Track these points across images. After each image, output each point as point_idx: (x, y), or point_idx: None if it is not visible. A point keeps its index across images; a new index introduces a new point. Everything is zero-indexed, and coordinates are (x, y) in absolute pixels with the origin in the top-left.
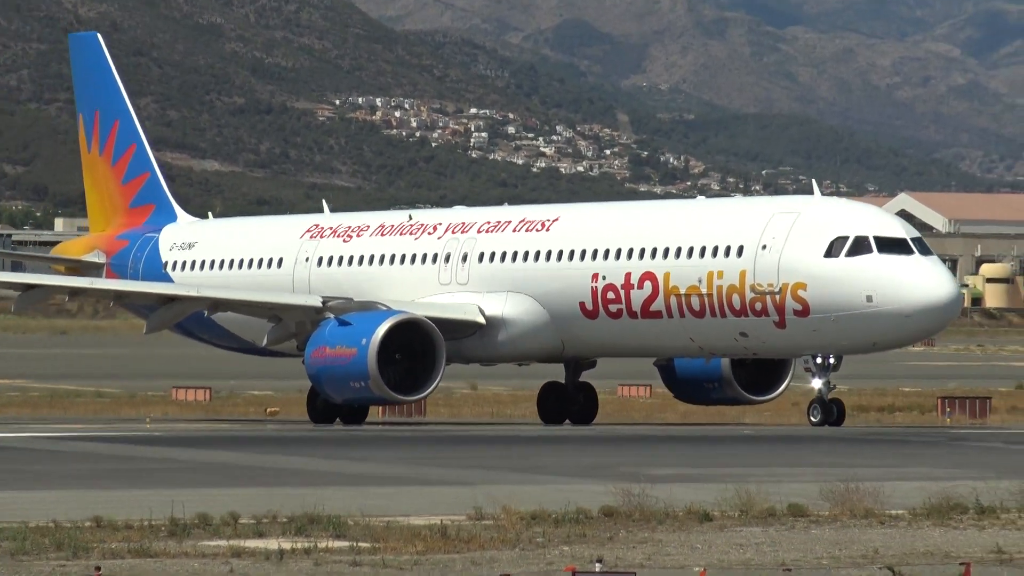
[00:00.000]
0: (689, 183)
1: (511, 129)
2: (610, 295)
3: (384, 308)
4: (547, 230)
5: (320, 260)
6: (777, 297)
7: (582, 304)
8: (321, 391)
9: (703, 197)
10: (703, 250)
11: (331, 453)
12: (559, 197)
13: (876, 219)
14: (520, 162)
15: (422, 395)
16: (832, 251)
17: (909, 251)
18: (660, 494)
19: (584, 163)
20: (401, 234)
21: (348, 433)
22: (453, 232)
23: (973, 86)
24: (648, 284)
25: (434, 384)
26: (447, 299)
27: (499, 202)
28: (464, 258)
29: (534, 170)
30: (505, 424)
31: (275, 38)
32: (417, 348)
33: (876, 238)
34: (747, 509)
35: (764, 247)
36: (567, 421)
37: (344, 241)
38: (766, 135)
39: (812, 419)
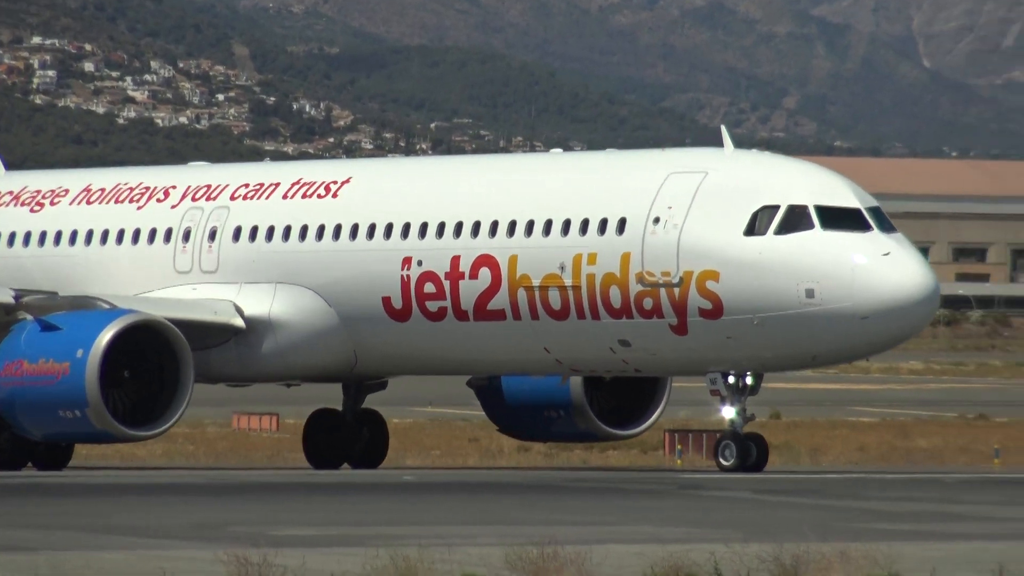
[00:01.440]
0: (332, 139)
1: (88, 66)
2: (429, 288)
3: (106, 306)
4: (334, 196)
5: None
6: (676, 291)
7: (387, 300)
8: (12, 422)
9: (560, 150)
10: (567, 225)
11: None
12: (154, 158)
13: (818, 181)
14: (101, 111)
15: (161, 429)
16: (756, 227)
17: (865, 226)
18: (289, 562)
19: (188, 112)
20: (117, 201)
21: (33, 481)
22: (195, 199)
23: (716, 9)
24: (486, 272)
25: (178, 414)
26: (187, 293)
27: (70, 165)
28: (212, 235)
29: (120, 121)
30: (238, 469)
31: None
32: (151, 364)
33: (819, 208)
34: None
35: (657, 221)
36: (345, 464)
37: (32, 211)
38: (436, 76)
39: (723, 461)
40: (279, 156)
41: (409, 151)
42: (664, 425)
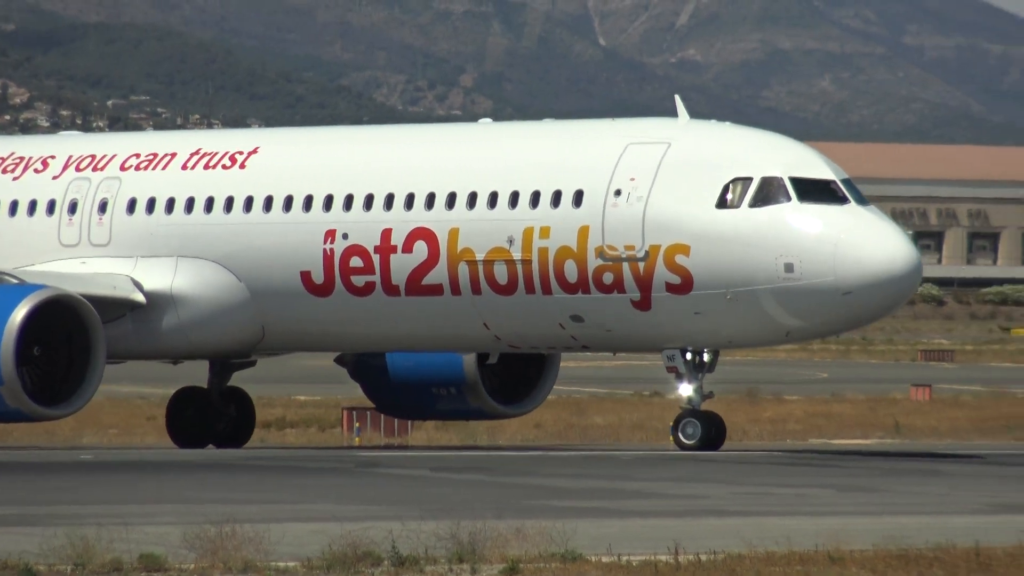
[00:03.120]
0: (8, 117)
1: None
2: (356, 262)
3: (13, 280)
4: (241, 167)
5: None
6: (641, 266)
7: (306, 275)
8: None
9: (491, 120)
10: (515, 197)
11: None
12: None
13: (790, 152)
14: None
15: (75, 408)
16: (728, 199)
17: (841, 199)
18: None
19: None
20: None
21: None
22: (79, 169)
23: None
24: (421, 247)
25: (91, 392)
26: (77, 268)
27: None
28: (102, 207)
29: None
30: (95, 449)
31: None
32: (59, 340)
33: (794, 180)
34: (84, 562)
35: (618, 193)
36: (210, 444)
37: None
38: (113, 53)
39: (685, 440)
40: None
41: (86, 129)
42: (344, 403)
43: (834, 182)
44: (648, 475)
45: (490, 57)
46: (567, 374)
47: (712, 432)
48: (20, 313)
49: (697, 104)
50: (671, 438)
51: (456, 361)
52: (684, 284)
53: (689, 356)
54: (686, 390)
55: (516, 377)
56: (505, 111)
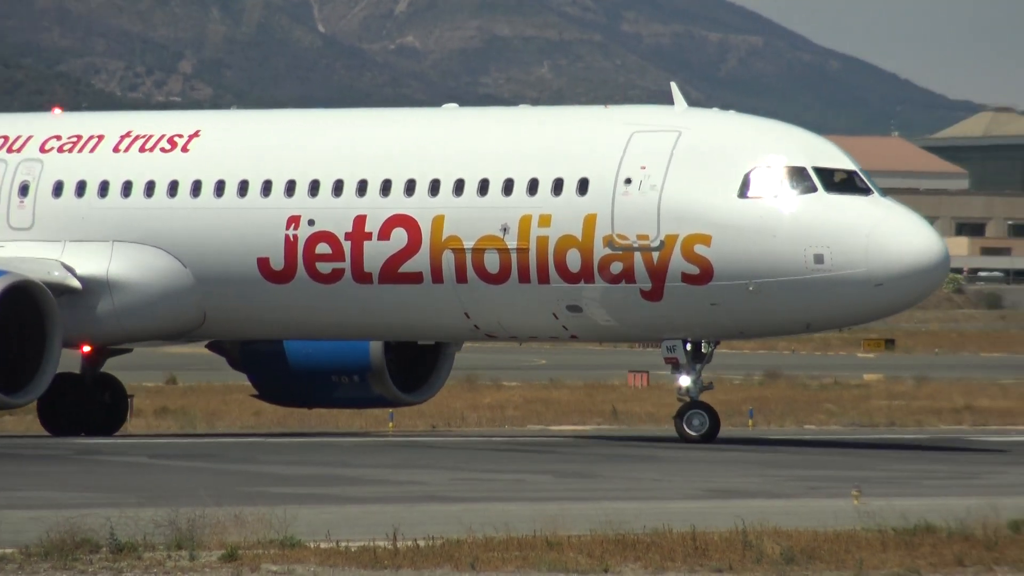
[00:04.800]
0: None
1: None
2: (323, 249)
3: None
4: (184, 150)
5: None
6: (655, 255)
7: (263, 262)
8: None
9: (456, 105)
10: (508, 185)
11: None
12: None
13: (809, 141)
14: None
15: (34, 396)
16: (749, 188)
17: (864, 190)
18: None
19: None
20: None
21: None
22: (11, 150)
23: None
24: (400, 234)
25: (50, 378)
26: None
27: None
28: (23, 190)
29: None
30: None
31: None
32: (10, 330)
33: (817, 170)
34: None
35: (628, 181)
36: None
37: None
38: None
39: (691, 432)
40: None
41: None
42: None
43: (856, 173)
44: (367, 462)
45: (209, 43)
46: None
47: (713, 422)
48: None
49: (416, 91)
50: (679, 429)
51: (362, 348)
52: (703, 274)
53: (689, 347)
54: (685, 380)
55: (412, 364)
56: (225, 98)
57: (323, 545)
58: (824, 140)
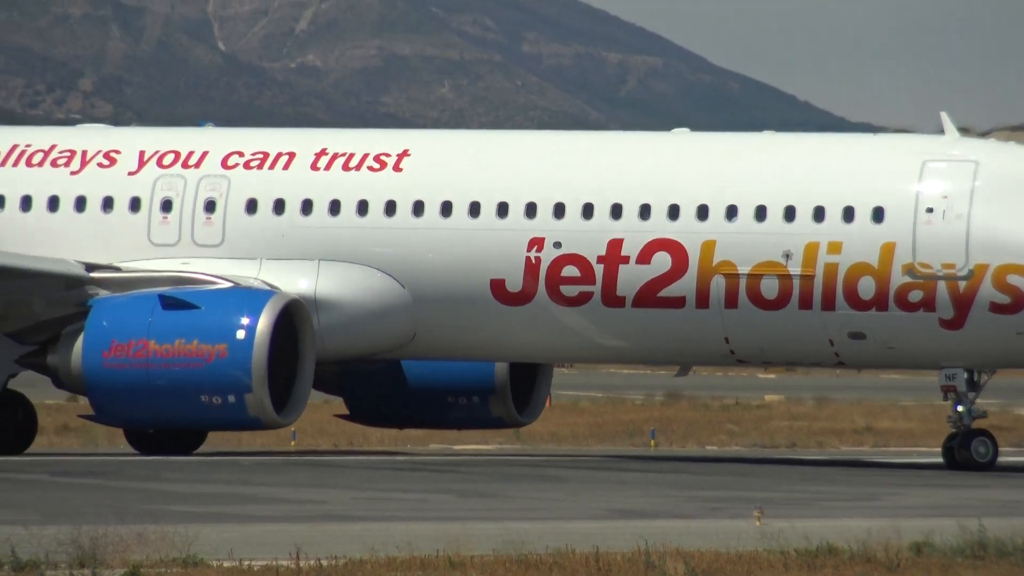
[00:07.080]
0: None
1: None
2: (570, 271)
3: (228, 284)
4: (397, 169)
5: None
6: (961, 284)
7: (498, 283)
8: (118, 415)
9: (688, 130)
10: (790, 211)
11: None
12: None
13: None
14: None
15: (296, 416)
16: None
17: None
18: None
19: None
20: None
21: None
22: (162, 164)
23: None
24: (664, 258)
25: (307, 395)
26: (170, 266)
27: None
28: (209, 206)
29: None
30: None
31: None
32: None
33: None
34: None
35: (930, 210)
36: None
37: None
38: None
39: (978, 459)
40: None
41: None
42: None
43: None
44: (268, 480)
45: (109, 61)
46: None
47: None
48: (269, 316)
49: (317, 110)
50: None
51: (488, 369)
52: (1014, 304)
53: (968, 375)
54: (963, 408)
55: (518, 385)
56: (125, 115)
57: (226, 564)
58: None
